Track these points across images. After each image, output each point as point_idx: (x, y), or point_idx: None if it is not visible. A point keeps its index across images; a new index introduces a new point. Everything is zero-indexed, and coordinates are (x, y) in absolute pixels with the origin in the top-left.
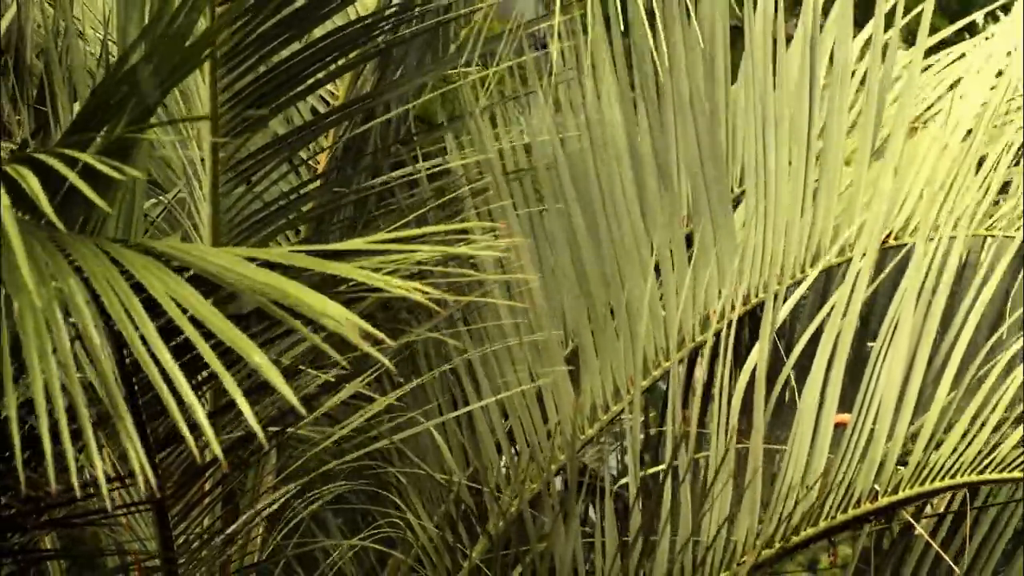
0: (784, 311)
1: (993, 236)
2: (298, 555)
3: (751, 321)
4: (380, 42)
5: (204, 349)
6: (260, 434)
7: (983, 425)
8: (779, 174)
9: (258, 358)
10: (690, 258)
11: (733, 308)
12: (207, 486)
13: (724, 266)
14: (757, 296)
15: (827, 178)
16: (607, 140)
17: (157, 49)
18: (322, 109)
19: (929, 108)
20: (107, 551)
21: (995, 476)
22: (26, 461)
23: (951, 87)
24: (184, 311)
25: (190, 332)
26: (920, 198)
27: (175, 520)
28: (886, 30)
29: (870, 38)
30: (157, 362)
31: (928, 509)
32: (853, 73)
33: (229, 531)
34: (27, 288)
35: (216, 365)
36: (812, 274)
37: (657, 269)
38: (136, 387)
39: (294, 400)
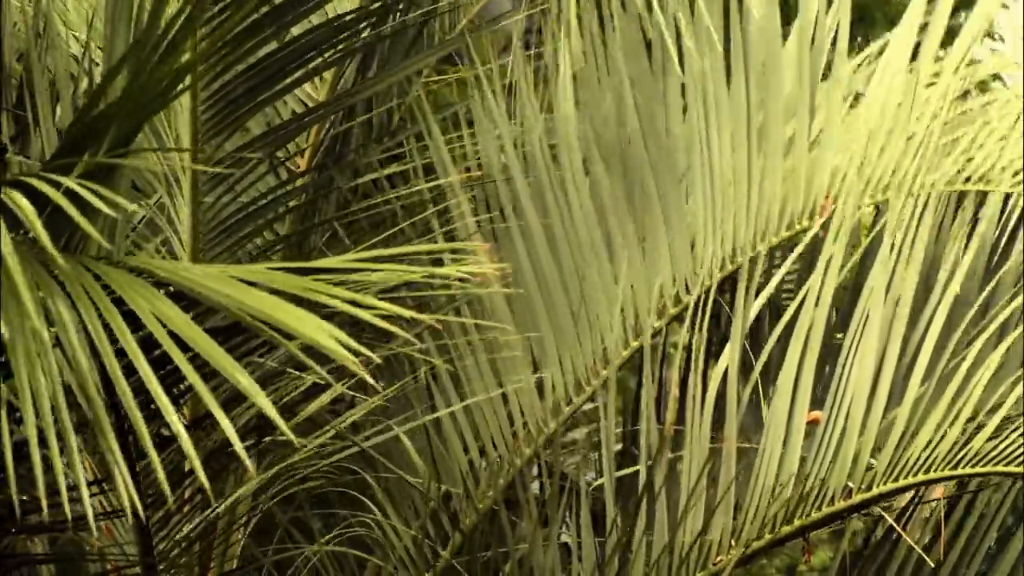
0: (757, 306)
1: (962, 190)
2: (277, 561)
3: (715, 320)
4: (359, 40)
5: (184, 366)
6: (239, 447)
7: (955, 420)
8: (722, 154)
9: (242, 379)
10: (644, 244)
11: (689, 291)
12: (187, 493)
13: (677, 250)
14: (711, 278)
15: (770, 155)
16: (557, 131)
17: (140, 76)
18: (300, 110)
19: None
20: (89, 557)
21: (970, 470)
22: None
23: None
24: (164, 326)
25: (172, 350)
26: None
27: (155, 527)
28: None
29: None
30: (132, 375)
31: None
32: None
33: (206, 528)
34: (20, 305)
35: (196, 381)
36: (762, 248)
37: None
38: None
39: (275, 415)
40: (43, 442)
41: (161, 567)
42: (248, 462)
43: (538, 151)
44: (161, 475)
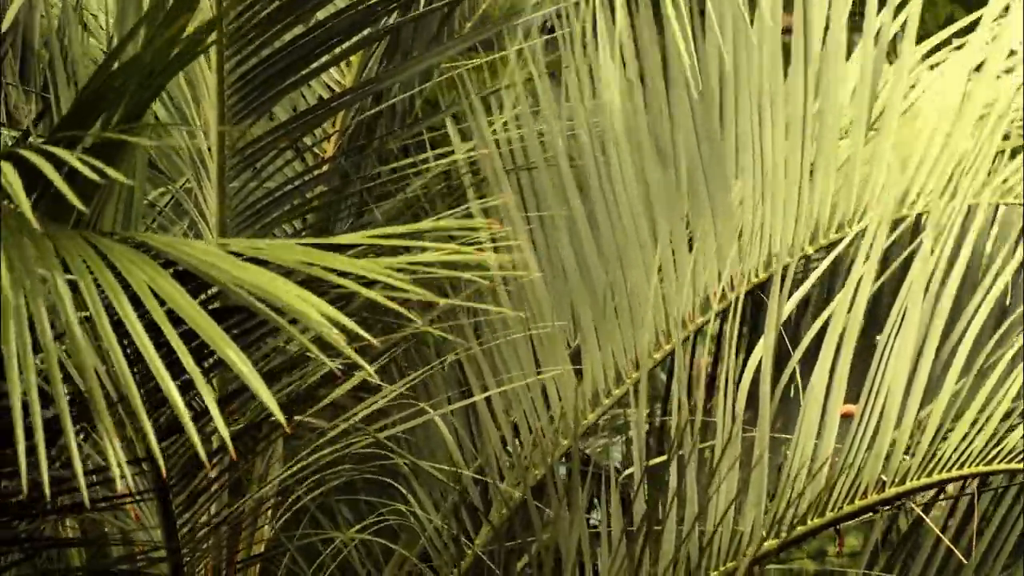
0: (790, 305)
1: (1000, 204)
2: (304, 545)
3: (754, 309)
4: (385, 24)
5: (179, 346)
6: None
7: (992, 415)
8: (775, 153)
9: (236, 359)
10: (689, 240)
11: (733, 288)
12: (212, 475)
13: (724, 247)
14: (757, 276)
15: (823, 155)
16: (604, 123)
17: (156, 38)
18: (327, 96)
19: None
20: (111, 540)
21: (1004, 466)
22: (31, 449)
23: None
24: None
25: (164, 324)
26: (919, 169)
27: (179, 509)
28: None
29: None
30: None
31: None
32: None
33: (232, 511)
34: (13, 279)
35: (189, 362)
36: (810, 250)
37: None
38: (137, 377)
39: (274, 405)
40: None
41: (186, 551)
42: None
43: (586, 140)
44: (195, 437)
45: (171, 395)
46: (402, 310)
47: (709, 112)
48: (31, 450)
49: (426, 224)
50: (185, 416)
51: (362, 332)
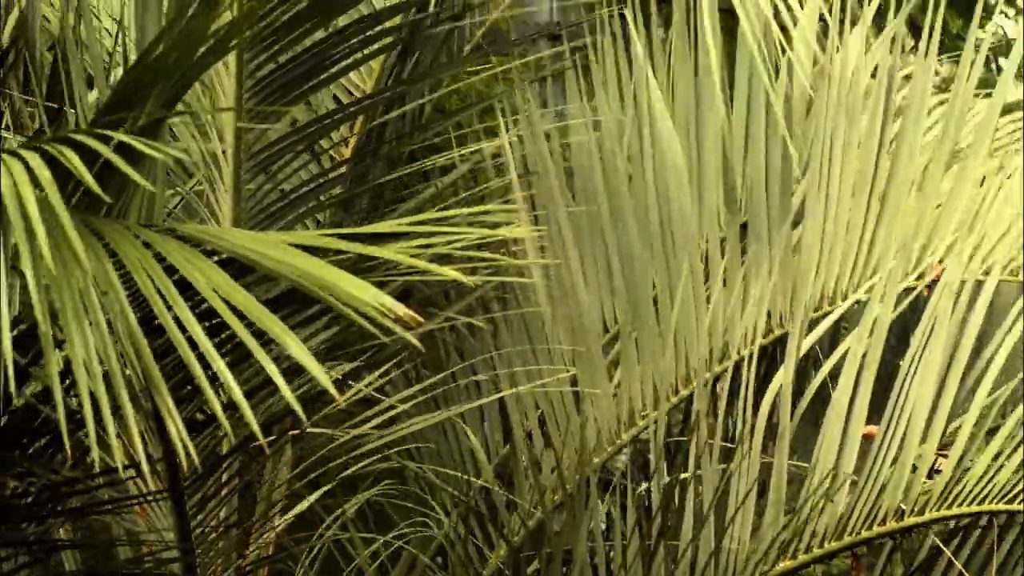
0: (818, 332)
1: None
2: (314, 548)
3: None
4: (404, 31)
5: (240, 331)
6: (298, 409)
7: (1016, 450)
8: (842, 199)
9: (292, 343)
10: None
11: (782, 325)
12: (224, 477)
13: (776, 284)
14: (806, 318)
15: (889, 207)
16: (664, 152)
17: (181, 40)
18: (345, 99)
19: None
20: (123, 542)
21: None
22: (43, 448)
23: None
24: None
25: (227, 316)
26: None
27: (193, 511)
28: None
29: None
30: (172, 353)
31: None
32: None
33: (246, 511)
34: (75, 270)
35: (253, 346)
36: (862, 297)
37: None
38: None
39: (328, 384)
40: (78, 425)
41: (198, 552)
42: (304, 416)
43: (649, 169)
44: (226, 425)
45: (203, 385)
46: (464, 279)
47: (785, 153)
48: (37, 452)
49: (462, 211)
50: (217, 406)
51: (414, 315)
